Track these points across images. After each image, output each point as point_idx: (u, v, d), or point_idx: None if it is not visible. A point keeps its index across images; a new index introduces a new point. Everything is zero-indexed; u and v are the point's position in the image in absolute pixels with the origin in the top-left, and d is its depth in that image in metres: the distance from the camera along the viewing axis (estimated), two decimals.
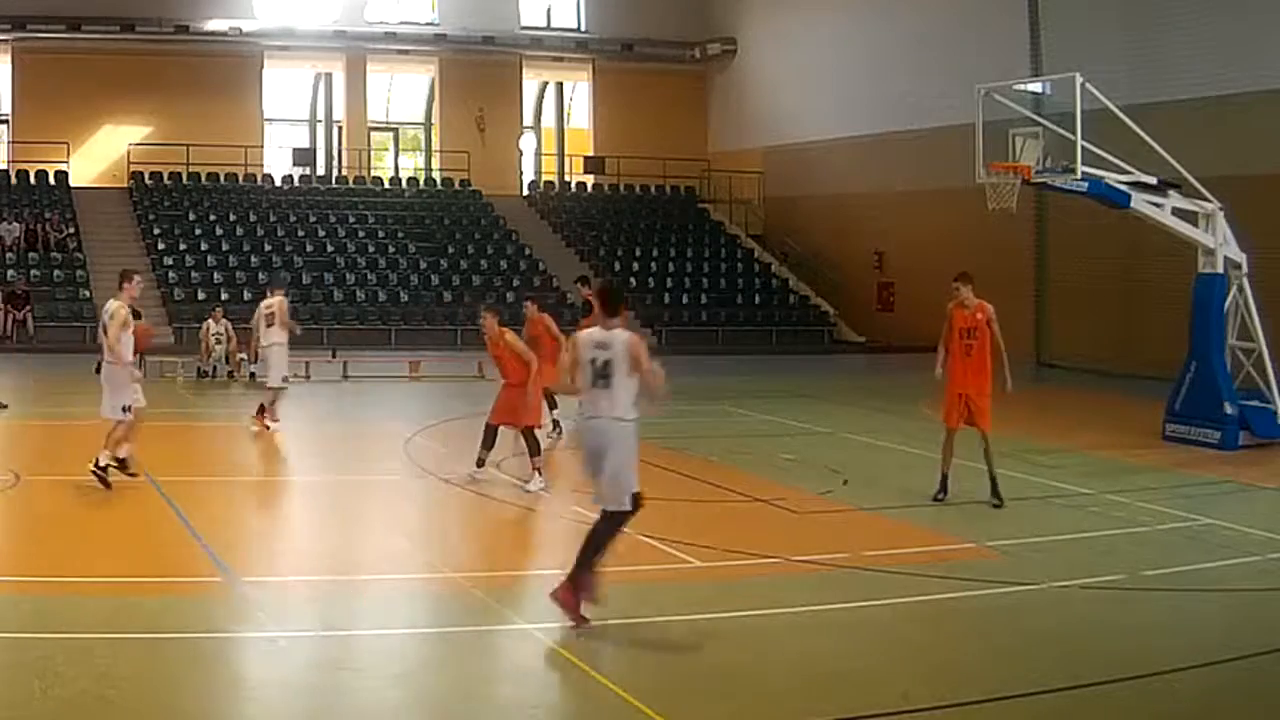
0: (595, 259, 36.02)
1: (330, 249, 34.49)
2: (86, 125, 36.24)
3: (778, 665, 8.21)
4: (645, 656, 8.32)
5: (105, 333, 12.84)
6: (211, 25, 36.53)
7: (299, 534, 12.09)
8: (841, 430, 18.46)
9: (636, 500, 8.60)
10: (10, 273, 31.06)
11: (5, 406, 18.73)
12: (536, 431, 13.94)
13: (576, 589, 8.49)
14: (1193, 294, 17.79)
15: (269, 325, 17.57)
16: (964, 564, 10.50)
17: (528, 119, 42.15)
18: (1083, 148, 16.72)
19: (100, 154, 36.71)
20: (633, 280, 35.47)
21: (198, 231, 34.16)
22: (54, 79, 35.34)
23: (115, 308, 12.85)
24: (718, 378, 26.18)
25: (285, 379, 17.65)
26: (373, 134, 40.87)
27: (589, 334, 8.71)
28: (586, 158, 41.04)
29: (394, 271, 33.96)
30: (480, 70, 39.50)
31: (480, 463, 13.72)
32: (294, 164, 38.76)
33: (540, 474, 13.38)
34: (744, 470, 14.99)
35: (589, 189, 40.65)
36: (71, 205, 34.30)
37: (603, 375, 8.48)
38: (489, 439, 13.75)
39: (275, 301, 17.71)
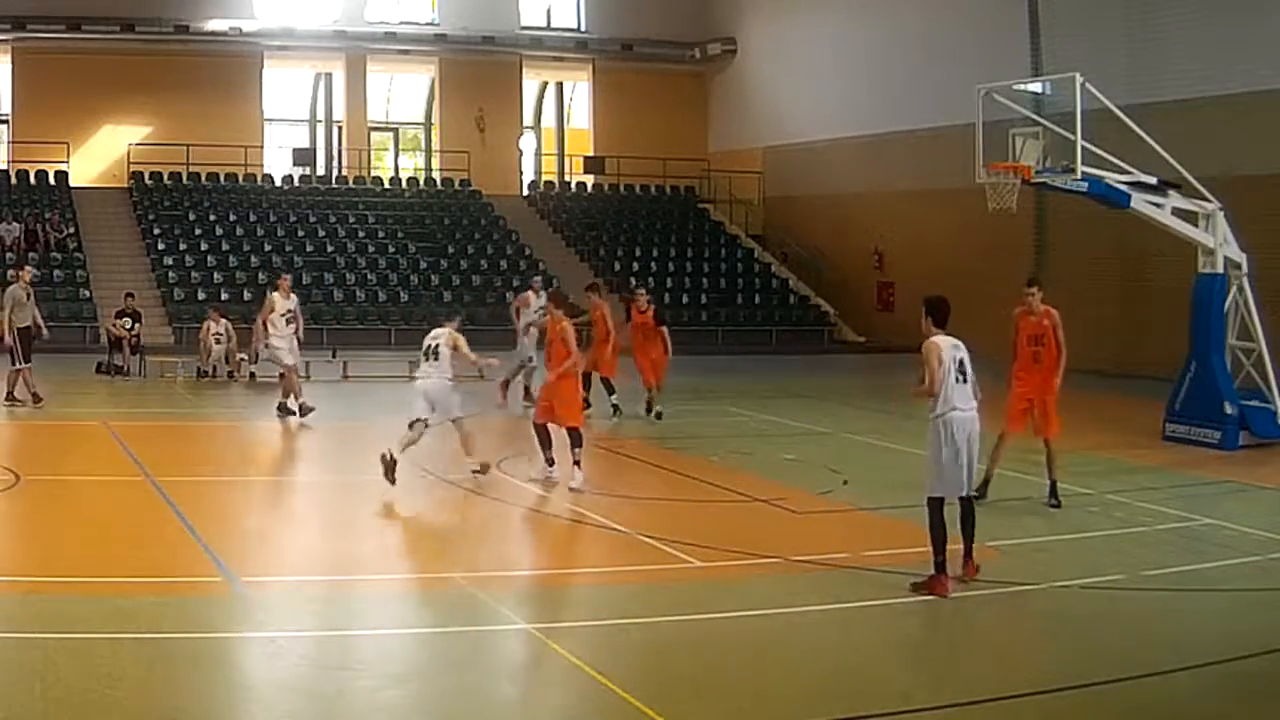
0: (595, 259, 36.03)
1: (330, 249, 34.47)
2: (86, 125, 36.21)
3: (777, 665, 8.20)
4: (645, 656, 8.31)
5: (435, 356, 13.71)
6: (211, 25, 36.50)
7: (299, 534, 12.09)
8: (841, 430, 18.44)
9: None
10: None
11: (40, 401, 19.03)
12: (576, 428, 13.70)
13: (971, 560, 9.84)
14: (1193, 294, 17.78)
15: (518, 317, 20.87)
16: None
17: (528, 119, 42.14)
18: (1083, 148, 16.71)
19: (100, 154, 36.68)
20: (632, 280, 35.42)
21: (198, 231, 34.13)
22: (54, 79, 35.30)
23: (450, 336, 13.73)
24: (718, 378, 26.15)
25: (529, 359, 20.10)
26: (373, 134, 40.85)
27: (946, 339, 9.77)
28: (586, 158, 41.00)
29: (394, 271, 33.93)
30: (480, 70, 39.49)
31: (550, 462, 13.62)
32: (294, 164, 38.74)
33: (580, 468, 13.26)
34: (744, 470, 14.97)
35: (589, 189, 40.63)
36: (71, 205, 34.26)
37: (962, 372, 9.74)
38: (543, 438, 13.68)
39: (523, 296, 21.10)
